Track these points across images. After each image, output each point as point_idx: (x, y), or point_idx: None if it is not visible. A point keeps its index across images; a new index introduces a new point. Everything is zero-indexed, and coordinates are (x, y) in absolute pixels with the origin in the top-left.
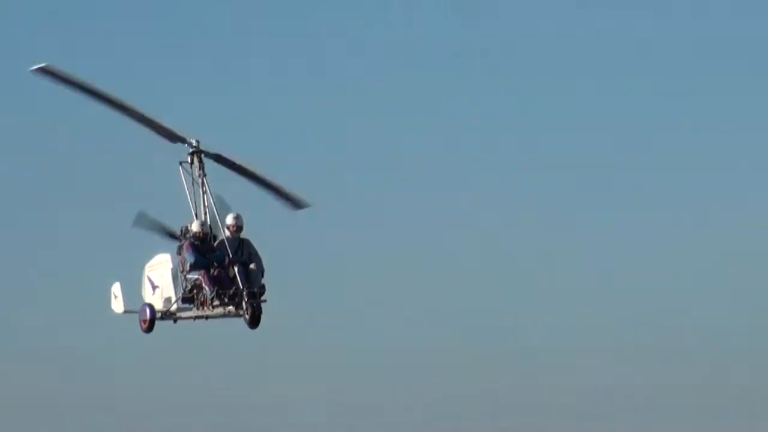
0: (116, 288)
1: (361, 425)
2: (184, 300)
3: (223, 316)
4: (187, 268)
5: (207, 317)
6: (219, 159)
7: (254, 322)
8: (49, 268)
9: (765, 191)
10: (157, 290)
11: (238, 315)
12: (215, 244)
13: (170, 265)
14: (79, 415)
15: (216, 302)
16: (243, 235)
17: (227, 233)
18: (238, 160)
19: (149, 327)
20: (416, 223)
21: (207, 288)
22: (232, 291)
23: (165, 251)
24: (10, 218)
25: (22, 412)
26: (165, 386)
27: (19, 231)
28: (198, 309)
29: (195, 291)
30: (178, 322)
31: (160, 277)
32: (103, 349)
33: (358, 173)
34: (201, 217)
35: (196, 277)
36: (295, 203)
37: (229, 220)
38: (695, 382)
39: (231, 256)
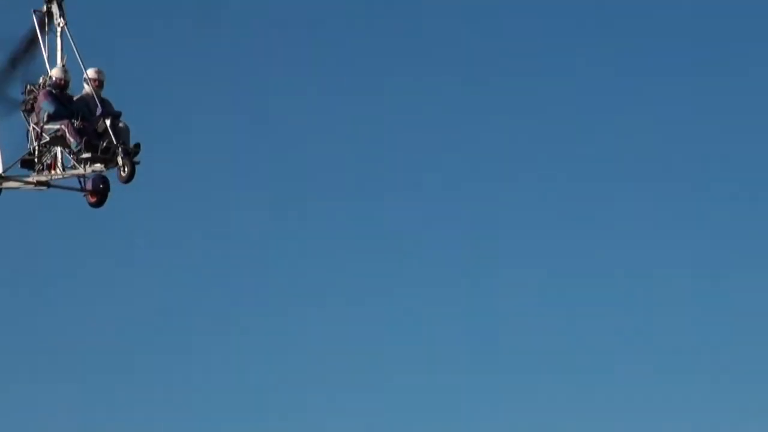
0: None
1: None
2: (23, 164)
3: (65, 186)
4: (44, 118)
5: (49, 185)
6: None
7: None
8: None
9: None
10: None
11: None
12: (75, 99)
13: None
14: None
15: (85, 155)
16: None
17: (87, 89)
18: None
19: None
20: None
21: (73, 139)
22: (105, 144)
23: None
24: None
25: None
26: None
27: None
28: (42, 174)
29: (48, 148)
30: (2, 192)
31: None
32: None
33: None
34: (61, 64)
35: (57, 127)
36: None
37: (91, 73)
38: None
39: (102, 108)
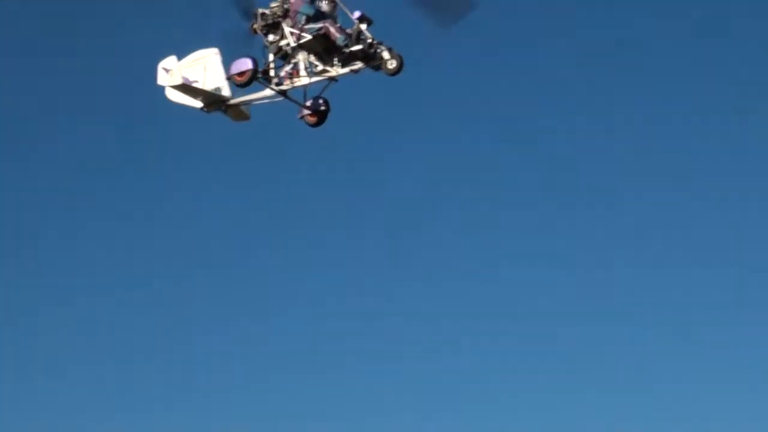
0: (169, 62)
1: None
2: (262, 75)
3: (296, 100)
4: (302, 20)
5: (286, 95)
6: None
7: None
8: None
9: None
10: (196, 84)
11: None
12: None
13: (219, 58)
14: None
15: (354, 48)
16: None
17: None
18: None
19: (248, 81)
20: None
21: (339, 34)
22: (369, 41)
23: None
24: None
25: None
26: None
27: None
28: (288, 82)
29: (294, 54)
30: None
31: (202, 71)
32: None
33: None
34: None
35: (320, 26)
36: None
37: None
38: None
39: (360, 12)
